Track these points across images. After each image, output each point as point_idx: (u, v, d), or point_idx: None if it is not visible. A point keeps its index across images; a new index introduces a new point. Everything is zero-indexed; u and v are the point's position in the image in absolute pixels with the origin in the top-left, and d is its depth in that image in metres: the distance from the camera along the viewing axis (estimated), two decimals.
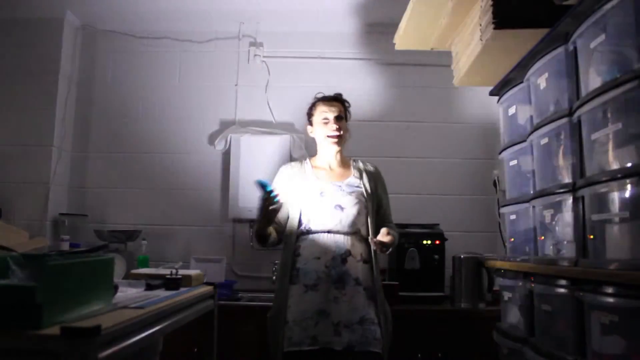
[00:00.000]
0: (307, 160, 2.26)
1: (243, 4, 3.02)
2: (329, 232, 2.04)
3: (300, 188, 2.12)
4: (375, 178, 2.21)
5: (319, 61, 3.21)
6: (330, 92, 2.26)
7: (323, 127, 2.17)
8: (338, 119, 2.17)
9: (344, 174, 2.18)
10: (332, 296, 1.95)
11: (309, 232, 2.07)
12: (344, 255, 2.00)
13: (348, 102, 2.26)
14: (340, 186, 2.09)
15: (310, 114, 2.25)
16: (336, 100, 2.22)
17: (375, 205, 2.14)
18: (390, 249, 2.06)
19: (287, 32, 3.25)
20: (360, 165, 2.24)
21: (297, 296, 1.98)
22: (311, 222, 2.07)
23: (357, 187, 2.12)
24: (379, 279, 2.07)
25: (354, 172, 2.19)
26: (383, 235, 1.97)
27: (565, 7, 1.61)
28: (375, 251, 2.06)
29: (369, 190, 2.12)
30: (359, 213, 2.06)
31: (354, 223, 2.06)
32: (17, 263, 1.04)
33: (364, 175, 2.17)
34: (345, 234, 2.04)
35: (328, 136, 2.15)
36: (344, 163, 2.23)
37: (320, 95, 2.26)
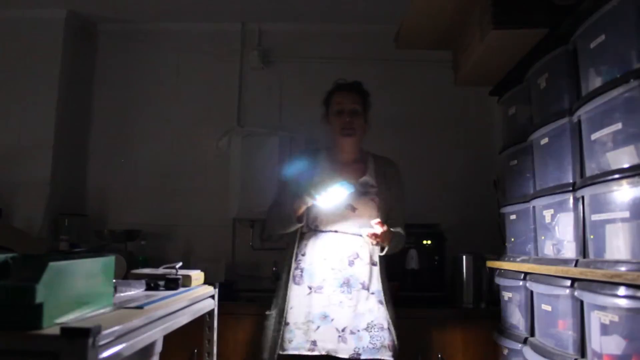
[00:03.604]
0: (323, 152, 2.13)
1: (244, 4, 3.02)
2: (336, 232, 1.94)
3: (312, 181, 1.97)
4: (390, 177, 2.05)
5: (319, 61, 3.21)
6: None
7: (337, 119, 2.03)
8: (353, 113, 2.02)
9: (359, 170, 2.04)
10: (337, 300, 1.87)
11: (315, 230, 1.97)
12: (351, 258, 1.91)
13: (367, 92, 2.10)
14: (354, 185, 1.92)
15: (326, 103, 2.11)
16: (353, 90, 2.07)
17: (387, 207, 2.00)
18: (386, 248, 1.94)
19: (287, 32, 3.26)
20: (379, 163, 2.08)
21: (300, 297, 1.90)
22: (319, 220, 1.96)
23: (372, 186, 2.00)
24: (386, 282, 1.97)
25: (369, 170, 2.04)
26: (377, 225, 1.83)
27: (565, 7, 1.61)
28: (381, 255, 1.97)
29: (384, 192, 1.99)
30: (369, 216, 1.92)
31: (364, 225, 1.92)
32: (17, 263, 1.04)
33: (381, 175, 2.03)
34: (353, 235, 1.94)
35: (341, 130, 2.02)
36: (361, 158, 2.08)
37: (340, 82, 2.12)
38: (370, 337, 1.84)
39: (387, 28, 2.77)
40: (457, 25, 2.26)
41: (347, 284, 1.88)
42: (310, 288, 1.90)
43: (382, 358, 1.83)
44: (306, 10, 3.06)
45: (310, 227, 1.99)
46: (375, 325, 1.86)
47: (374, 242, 1.90)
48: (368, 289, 1.91)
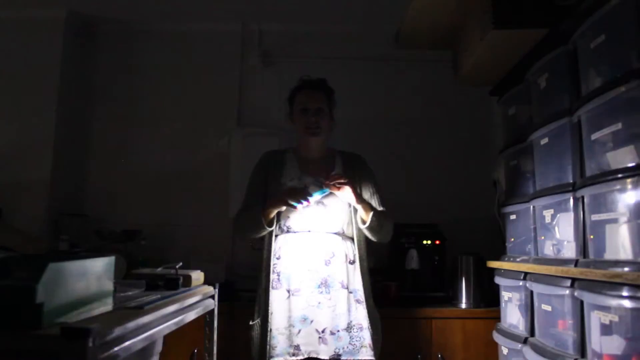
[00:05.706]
0: (290, 151, 2.10)
1: (244, 4, 3.02)
2: (309, 231, 1.91)
3: (279, 182, 1.96)
4: (359, 169, 2.03)
5: (320, 61, 3.20)
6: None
7: (301, 118, 2.00)
8: (318, 111, 1.99)
9: (327, 167, 2.01)
10: (315, 301, 1.84)
11: (288, 231, 1.94)
12: (327, 257, 1.88)
13: (332, 89, 2.08)
14: (323, 182, 1.90)
15: (291, 102, 2.08)
16: (318, 88, 2.04)
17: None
18: (369, 218, 1.89)
19: (287, 32, 3.25)
20: (347, 159, 2.06)
21: (280, 302, 1.86)
22: (291, 220, 1.93)
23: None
24: (367, 280, 1.94)
25: (337, 167, 2.02)
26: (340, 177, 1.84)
27: (565, 7, 1.61)
28: (361, 252, 1.94)
29: (354, 187, 1.92)
30: (342, 211, 1.92)
31: (337, 222, 1.93)
32: (17, 263, 1.04)
33: (348, 169, 2.00)
34: (328, 233, 1.91)
35: (306, 129, 1.99)
36: (327, 156, 2.06)
37: (305, 78, 2.08)
38: (350, 337, 1.83)
39: (387, 28, 2.77)
40: (457, 25, 2.26)
41: (325, 284, 1.86)
42: (288, 292, 1.87)
43: (363, 358, 1.81)
44: (306, 10, 3.05)
45: (282, 228, 1.96)
46: (354, 325, 1.84)
47: (338, 187, 1.86)
48: (347, 288, 1.87)
